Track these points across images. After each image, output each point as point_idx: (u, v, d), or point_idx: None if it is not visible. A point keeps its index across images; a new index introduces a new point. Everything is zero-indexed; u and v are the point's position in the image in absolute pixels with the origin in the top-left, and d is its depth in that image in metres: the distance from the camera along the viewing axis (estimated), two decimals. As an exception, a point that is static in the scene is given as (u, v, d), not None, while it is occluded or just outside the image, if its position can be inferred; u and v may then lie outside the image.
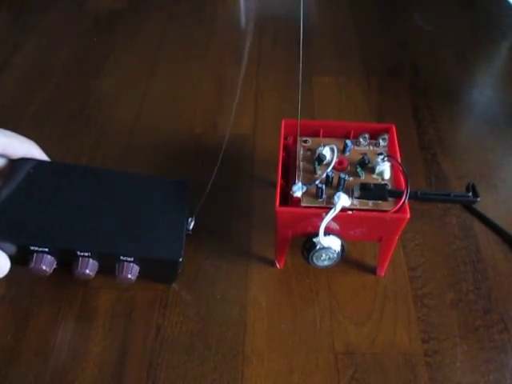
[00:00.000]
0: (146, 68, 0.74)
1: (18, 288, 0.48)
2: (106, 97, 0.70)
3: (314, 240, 0.43)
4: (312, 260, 0.45)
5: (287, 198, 0.45)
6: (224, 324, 0.46)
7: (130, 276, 0.43)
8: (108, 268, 0.43)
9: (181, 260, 0.43)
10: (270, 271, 0.49)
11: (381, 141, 0.47)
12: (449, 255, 0.51)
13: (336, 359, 0.43)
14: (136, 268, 0.43)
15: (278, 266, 0.49)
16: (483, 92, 0.71)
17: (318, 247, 0.43)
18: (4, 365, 0.43)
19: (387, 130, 0.48)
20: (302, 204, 0.43)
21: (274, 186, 0.44)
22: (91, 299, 0.47)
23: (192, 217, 0.47)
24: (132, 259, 0.43)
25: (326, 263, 0.45)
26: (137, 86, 0.71)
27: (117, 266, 0.43)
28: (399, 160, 0.45)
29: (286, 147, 0.49)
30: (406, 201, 0.41)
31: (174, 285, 0.48)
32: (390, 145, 0.48)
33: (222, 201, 0.55)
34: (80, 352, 0.44)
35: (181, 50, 0.78)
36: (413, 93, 0.70)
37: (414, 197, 0.42)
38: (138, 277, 0.44)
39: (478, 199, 0.42)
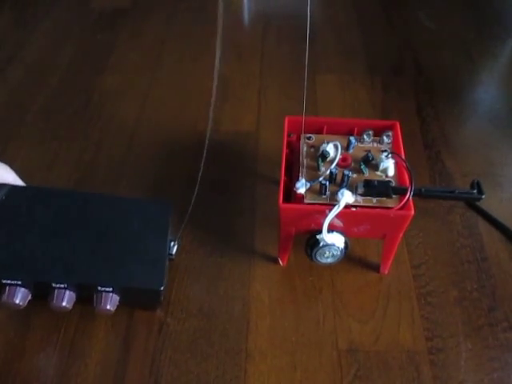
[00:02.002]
0: (149, 66, 0.74)
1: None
2: (109, 94, 0.70)
3: (318, 237, 0.43)
4: (315, 257, 0.44)
5: (290, 195, 0.45)
6: (227, 321, 0.45)
7: (109, 307, 0.41)
8: (87, 298, 0.41)
9: (162, 289, 0.41)
10: (273, 268, 0.49)
11: (385, 138, 0.47)
12: (453, 253, 0.51)
13: (339, 357, 0.43)
14: (116, 298, 0.41)
15: (281, 263, 0.49)
16: (487, 90, 0.71)
17: (321, 244, 0.43)
18: (7, 361, 0.43)
19: (391, 127, 0.48)
20: (306, 201, 0.43)
21: (277, 183, 0.44)
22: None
23: (175, 241, 0.46)
24: (111, 289, 0.41)
25: (329, 260, 0.45)
26: (140, 83, 0.71)
27: (95, 296, 0.41)
28: (403, 157, 0.45)
29: (289, 144, 0.49)
30: (411, 198, 0.41)
31: (158, 311, 0.46)
32: (394, 142, 0.47)
33: (225, 198, 0.55)
34: (83, 349, 0.44)
35: (184, 48, 0.78)
36: (417, 91, 0.70)
37: (418, 194, 0.42)
38: (118, 305, 0.42)
39: (483, 196, 0.42)
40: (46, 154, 0.61)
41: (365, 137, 0.47)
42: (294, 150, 0.49)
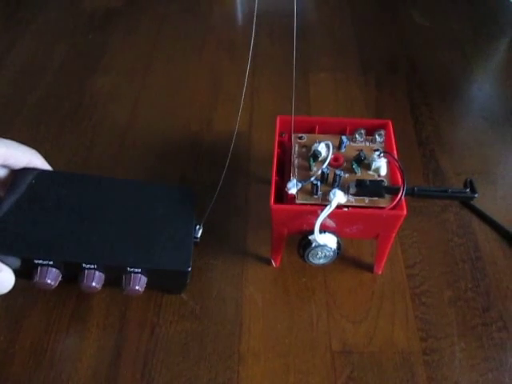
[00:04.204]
0: (142, 66, 0.74)
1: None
2: (101, 95, 0.69)
3: (310, 238, 0.42)
4: (308, 258, 0.44)
5: (282, 196, 0.44)
6: (219, 323, 0.45)
7: (137, 287, 0.41)
8: (115, 280, 0.42)
9: (189, 270, 0.42)
10: (265, 269, 0.49)
11: (377, 137, 0.47)
12: (447, 252, 0.50)
13: (333, 358, 0.43)
14: (144, 279, 0.42)
15: (273, 264, 0.49)
16: (482, 88, 0.71)
17: (313, 245, 0.42)
18: (-3, 365, 0.42)
19: (384, 126, 0.48)
20: (297, 201, 0.42)
21: (270, 183, 0.44)
22: (85, 298, 0.46)
23: (200, 224, 0.46)
24: (139, 270, 0.41)
25: (322, 261, 0.45)
26: (132, 83, 0.71)
27: (124, 277, 0.41)
28: (396, 156, 0.44)
29: (281, 144, 0.48)
30: (403, 197, 0.41)
31: (182, 295, 0.47)
32: (387, 141, 0.47)
33: (217, 198, 0.55)
34: (74, 352, 0.43)
35: (176, 48, 0.77)
36: (410, 89, 0.70)
37: (410, 193, 0.41)
38: (145, 287, 0.42)
39: (476, 195, 0.41)
40: (37, 155, 0.60)
41: (357, 136, 0.47)
42: (286, 150, 0.48)
